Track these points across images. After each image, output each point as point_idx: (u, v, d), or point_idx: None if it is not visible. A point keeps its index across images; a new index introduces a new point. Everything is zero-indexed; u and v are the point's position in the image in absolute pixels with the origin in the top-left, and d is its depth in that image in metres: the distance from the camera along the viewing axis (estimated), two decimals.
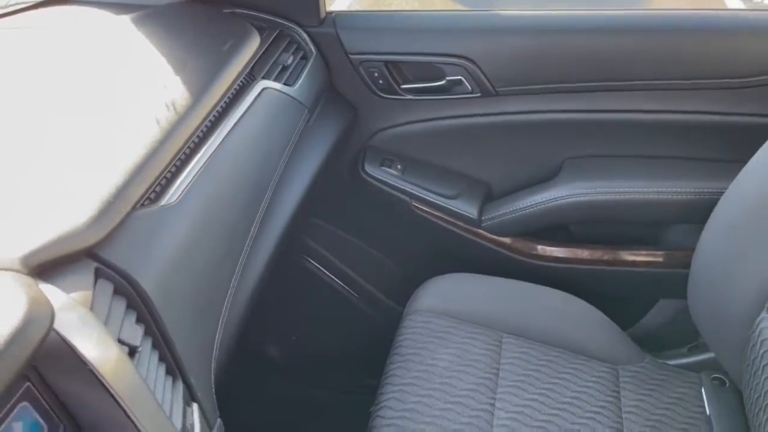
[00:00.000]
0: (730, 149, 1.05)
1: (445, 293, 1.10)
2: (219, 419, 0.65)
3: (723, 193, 0.97)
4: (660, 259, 1.16)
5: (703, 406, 1.01)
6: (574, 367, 1.03)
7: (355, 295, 1.37)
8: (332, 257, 1.34)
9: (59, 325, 0.48)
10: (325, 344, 1.42)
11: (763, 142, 0.90)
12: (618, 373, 1.03)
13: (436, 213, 1.21)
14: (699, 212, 1.03)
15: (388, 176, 1.21)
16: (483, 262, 1.19)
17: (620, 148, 1.12)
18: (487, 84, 1.08)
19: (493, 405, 0.96)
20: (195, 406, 0.61)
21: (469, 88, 1.09)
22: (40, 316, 0.46)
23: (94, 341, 0.50)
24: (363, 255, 1.35)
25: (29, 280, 0.49)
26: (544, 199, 1.14)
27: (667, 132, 1.08)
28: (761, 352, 0.91)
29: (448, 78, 1.10)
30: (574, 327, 1.08)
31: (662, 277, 1.17)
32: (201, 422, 0.61)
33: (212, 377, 0.67)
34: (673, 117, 1.06)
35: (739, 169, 0.93)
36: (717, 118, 1.04)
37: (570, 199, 1.12)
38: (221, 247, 0.74)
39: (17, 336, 0.43)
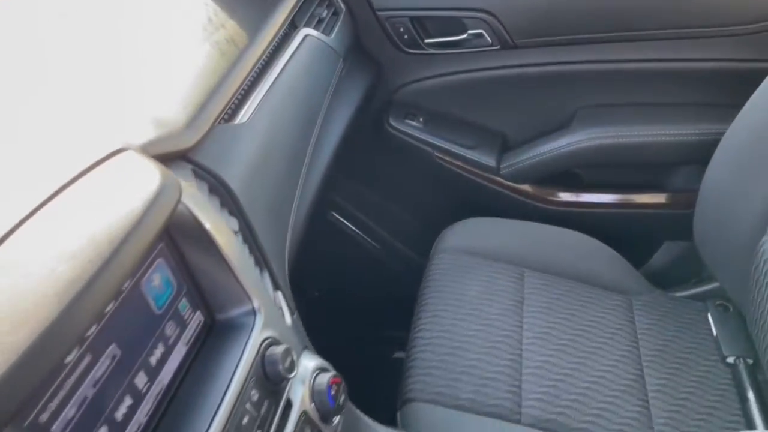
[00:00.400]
0: (732, 94, 1.14)
1: (470, 234, 1.18)
2: (296, 312, 0.72)
3: (725, 133, 1.06)
4: (665, 201, 1.25)
5: (710, 329, 1.11)
6: (591, 296, 1.11)
7: (377, 246, 1.44)
8: (355, 210, 1.41)
9: (183, 198, 0.55)
10: (348, 297, 1.49)
11: None
12: (631, 303, 1.12)
13: (456, 162, 1.29)
14: (703, 152, 1.12)
15: (411, 129, 1.28)
16: (502, 209, 1.27)
17: (629, 96, 1.21)
18: (506, 36, 1.16)
19: (520, 327, 1.04)
20: (279, 293, 0.69)
21: (489, 41, 1.17)
22: (172, 184, 0.53)
23: (210, 216, 0.58)
24: (385, 207, 1.42)
25: (154, 160, 0.56)
26: (558, 146, 1.22)
27: (673, 79, 1.17)
28: (764, 270, 1.00)
29: (469, 32, 1.17)
30: (590, 263, 1.17)
31: (667, 219, 1.26)
32: (285, 308, 0.68)
33: (287, 273, 0.74)
34: (679, 65, 1.15)
35: None
36: (720, 64, 1.13)
37: (583, 144, 1.21)
38: (285, 164, 0.81)
39: (159, 196, 0.50)
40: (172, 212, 0.51)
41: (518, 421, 0.90)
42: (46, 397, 0.41)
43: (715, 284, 1.19)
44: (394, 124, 1.29)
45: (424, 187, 1.38)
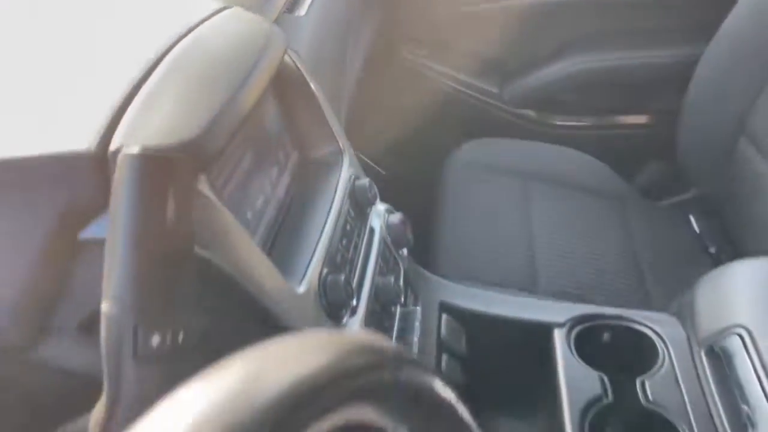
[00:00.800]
0: (708, 17, 1.27)
1: (477, 152, 1.30)
2: None
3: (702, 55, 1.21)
4: (647, 122, 1.40)
5: (693, 227, 1.25)
6: (589, 202, 1.24)
7: (383, 172, 1.55)
8: (363, 138, 1.51)
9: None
10: None
11: None
12: (623, 208, 1.25)
13: (463, 89, 1.41)
14: (683, 72, 1.27)
15: (420, 58, 1.39)
16: (504, 132, 1.39)
17: (616, 24, 1.34)
18: None
19: (530, 220, 1.16)
20: None
21: None
22: (280, 32, 0.62)
23: (307, 71, 0.67)
24: (393, 134, 1.52)
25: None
26: (554, 71, 1.35)
27: (657, 6, 1.31)
28: (741, 169, 1.15)
29: None
30: (586, 176, 1.30)
31: (651, 138, 1.40)
32: None
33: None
34: None
35: None
36: None
37: (575, 68, 1.34)
38: (335, 52, 0.91)
39: (275, 33, 0.60)
40: (285, 48, 0.61)
41: (536, 293, 1.02)
42: (219, 164, 0.50)
43: (695, 192, 1.34)
44: (403, 54, 1.39)
45: (431, 115, 1.49)
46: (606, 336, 0.78)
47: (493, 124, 1.42)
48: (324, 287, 0.54)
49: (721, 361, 0.69)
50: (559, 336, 0.75)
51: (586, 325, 0.77)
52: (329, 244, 0.58)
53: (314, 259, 0.56)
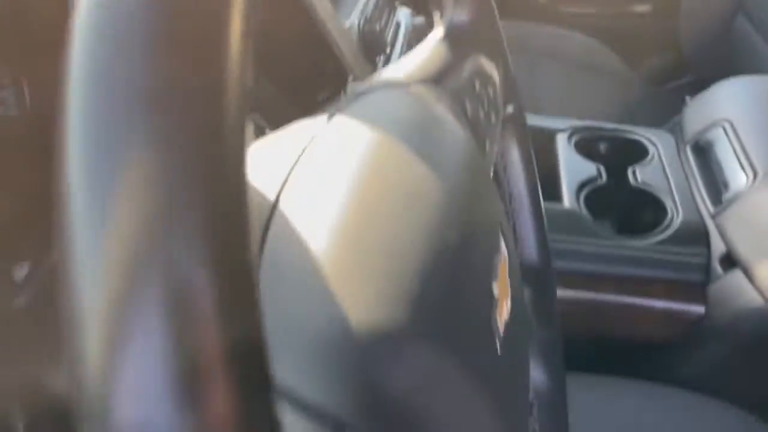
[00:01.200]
0: None
1: None
2: None
3: None
4: (651, 10, 1.47)
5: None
6: (593, 80, 1.32)
7: None
8: None
9: None
10: None
11: None
12: (625, 88, 1.33)
13: None
14: None
15: None
16: (514, 15, 1.46)
17: None
18: None
19: (535, 91, 1.24)
20: None
21: None
22: None
23: None
24: None
25: None
26: None
27: None
28: (735, 46, 1.22)
29: None
30: (591, 57, 1.37)
31: (654, 26, 1.48)
32: None
33: None
34: None
35: None
36: None
37: None
38: None
39: None
40: None
41: None
42: None
43: (693, 76, 1.41)
44: None
45: None
46: (603, 146, 0.86)
47: (503, 7, 1.48)
48: (362, 31, 0.62)
49: (704, 152, 0.78)
50: (561, 138, 0.83)
51: (586, 133, 0.85)
52: (364, 6, 0.66)
53: (355, 10, 0.64)
